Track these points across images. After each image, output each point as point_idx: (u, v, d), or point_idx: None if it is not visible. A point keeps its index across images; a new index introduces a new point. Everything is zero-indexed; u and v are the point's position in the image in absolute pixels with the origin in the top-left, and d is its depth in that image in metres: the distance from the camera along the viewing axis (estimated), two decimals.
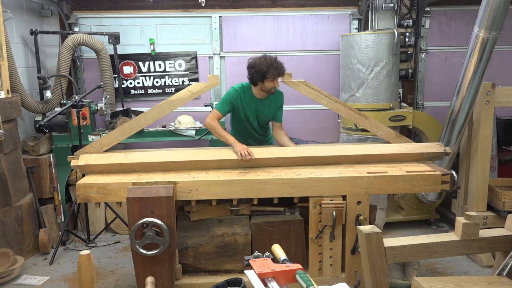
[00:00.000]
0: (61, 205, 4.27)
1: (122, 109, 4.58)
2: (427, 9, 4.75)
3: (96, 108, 4.17)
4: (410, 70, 4.84)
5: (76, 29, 4.68)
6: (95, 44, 4.41)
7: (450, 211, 4.17)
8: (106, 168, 2.89)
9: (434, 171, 2.79)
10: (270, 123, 3.57)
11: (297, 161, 3.00)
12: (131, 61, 4.80)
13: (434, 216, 4.45)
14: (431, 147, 3.09)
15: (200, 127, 4.32)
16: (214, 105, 4.36)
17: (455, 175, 2.80)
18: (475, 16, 3.16)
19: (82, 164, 2.87)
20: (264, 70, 3.09)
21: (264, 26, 4.82)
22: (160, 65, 4.83)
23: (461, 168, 3.81)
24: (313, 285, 1.38)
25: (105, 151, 3.07)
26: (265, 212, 3.03)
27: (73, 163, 2.90)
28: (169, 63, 4.83)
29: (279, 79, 3.21)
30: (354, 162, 3.05)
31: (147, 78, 4.84)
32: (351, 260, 2.83)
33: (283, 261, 1.57)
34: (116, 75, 4.67)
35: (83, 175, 2.96)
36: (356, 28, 4.85)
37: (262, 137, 3.55)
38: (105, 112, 4.18)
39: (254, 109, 3.34)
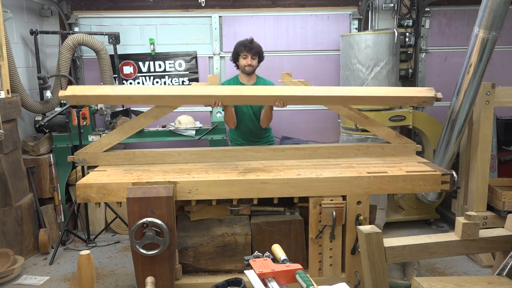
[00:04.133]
0: (61, 205, 4.27)
1: (122, 109, 4.58)
2: (427, 9, 4.75)
3: (96, 108, 4.17)
4: (410, 70, 4.84)
5: (76, 29, 4.68)
6: (95, 44, 4.41)
7: (450, 211, 4.17)
8: (93, 100, 2.92)
9: (434, 171, 2.79)
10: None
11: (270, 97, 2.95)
12: (131, 61, 4.80)
13: (434, 216, 4.45)
14: (421, 92, 3.03)
15: (200, 127, 4.32)
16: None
17: (455, 175, 2.80)
18: (475, 16, 3.16)
19: (69, 95, 2.85)
20: (237, 48, 3.44)
21: (264, 26, 4.83)
22: (160, 65, 4.83)
23: (461, 168, 3.81)
24: (313, 285, 1.38)
25: (105, 151, 3.07)
26: (265, 212, 3.03)
27: (61, 93, 2.87)
28: (169, 63, 4.83)
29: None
30: (340, 102, 3.06)
31: (147, 78, 4.84)
32: (351, 260, 2.83)
33: (283, 261, 1.57)
34: (116, 75, 4.67)
35: (83, 175, 2.95)
36: (356, 28, 4.85)
37: (260, 133, 3.61)
38: (105, 112, 4.18)
39: None
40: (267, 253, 1.59)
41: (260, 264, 1.51)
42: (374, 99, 2.99)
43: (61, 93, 2.86)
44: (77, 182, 2.69)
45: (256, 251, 1.61)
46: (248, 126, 3.56)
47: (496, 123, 4.07)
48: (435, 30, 4.87)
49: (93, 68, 4.75)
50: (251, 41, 3.44)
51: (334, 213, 2.70)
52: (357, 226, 2.35)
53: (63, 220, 4.27)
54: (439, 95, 3.00)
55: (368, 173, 2.77)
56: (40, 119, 4.21)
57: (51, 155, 4.20)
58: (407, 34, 4.71)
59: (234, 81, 3.57)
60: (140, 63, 4.81)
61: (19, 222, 3.75)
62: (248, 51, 3.40)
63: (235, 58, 3.48)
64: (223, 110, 3.53)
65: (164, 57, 4.81)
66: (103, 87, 3.02)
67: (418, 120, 4.21)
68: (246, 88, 3.20)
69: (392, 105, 2.97)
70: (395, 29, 4.15)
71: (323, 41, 4.87)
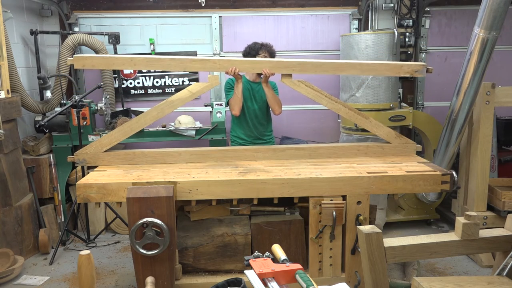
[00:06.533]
0: (61, 205, 4.27)
1: (122, 109, 4.58)
2: (427, 9, 4.75)
3: (96, 108, 4.17)
4: None
5: (76, 29, 4.68)
6: (95, 44, 4.41)
7: (450, 211, 4.17)
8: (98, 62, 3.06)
9: (434, 171, 2.79)
10: (271, 127, 3.72)
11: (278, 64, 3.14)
12: None
13: (434, 216, 4.45)
14: (410, 65, 3.14)
15: (200, 127, 4.32)
16: (214, 105, 4.39)
17: (455, 175, 2.80)
18: (475, 16, 3.16)
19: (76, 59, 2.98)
20: (258, 46, 3.63)
21: (264, 26, 4.82)
22: None
23: (461, 168, 3.81)
24: (313, 285, 1.38)
25: (105, 151, 3.07)
26: (265, 212, 3.03)
27: (69, 61, 2.99)
28: None
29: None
30: (333, 68, 3.19)
31: (147, 78, 4.84)
32: (351, 260, 2.84)
33: (283, 261, 1.57)
34: (116, 75, 4.67)
35: (83, 175, 2.95)
36: (356, 28, 4.85)
37: (263, 128, 3.69)
38: (105, 112, 4.18)
39: (249, 91, 3.60)
40: (267, 253, 1.59)
41: (260, 264, 1.51)
42: (365, 66, 3.13)
43: (69, 60, 2.99)
44: (77, 182, 2.69)
45: (256, 251, 1.61)
46: (253, 121, 3.64)
47: (496, 123, 4.07)
48: (435, 30, 4.87)
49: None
50: (270, 44, 3.68)
51: (334, 213, 2.70)
52: (357, 226, 2.35)
53: (63, 220, 4.27)
54: (431, 69, 3.08)
55: (368, 173, 2.77)
56: (40, 119, 4.21)
57: (51, 155, 4.20)
58: (407, 34, 4.71)
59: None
60: None
61: (19, 222, 3.75)
62: (269, 54, 3.60)
63: (253, 54, 3.59)
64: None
65: None
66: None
67: (418, 120, 4.21)
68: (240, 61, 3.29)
69: (384, 74, 3.09)
70: (395, 29, 4.15)
71: (323, 41, 4.87)
